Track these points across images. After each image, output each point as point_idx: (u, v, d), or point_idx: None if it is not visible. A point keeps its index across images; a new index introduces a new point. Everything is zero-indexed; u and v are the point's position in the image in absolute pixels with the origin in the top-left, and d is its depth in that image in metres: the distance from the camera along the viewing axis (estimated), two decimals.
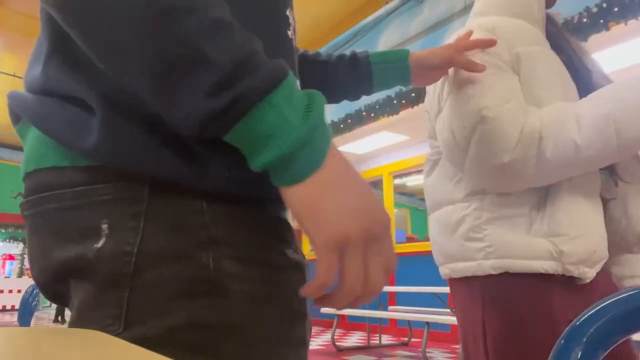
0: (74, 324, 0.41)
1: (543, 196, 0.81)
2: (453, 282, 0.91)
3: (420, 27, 5.31)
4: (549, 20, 1.00)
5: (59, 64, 0.44)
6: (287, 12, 0.52)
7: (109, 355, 0.30)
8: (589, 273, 0.80)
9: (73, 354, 0.31)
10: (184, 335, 0.39)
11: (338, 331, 6.35)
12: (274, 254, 0.46)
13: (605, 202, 0.86)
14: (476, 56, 0.83)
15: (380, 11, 5.62)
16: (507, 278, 0.80)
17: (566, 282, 0.80)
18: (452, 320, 4.01)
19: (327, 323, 7.10)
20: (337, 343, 5.10)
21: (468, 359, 0.88)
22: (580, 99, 0.86)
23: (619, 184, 0.87)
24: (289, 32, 0.52)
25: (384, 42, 5.79)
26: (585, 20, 3.59)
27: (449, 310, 4.69)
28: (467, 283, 0.86)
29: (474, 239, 0.83)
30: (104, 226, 0.40)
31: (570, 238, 0.77)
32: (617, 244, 0.86)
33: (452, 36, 0.99)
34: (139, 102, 0.40)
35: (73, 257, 0.40)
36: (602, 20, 3.51)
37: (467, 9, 4.81)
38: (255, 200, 0.45)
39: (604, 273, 0.85)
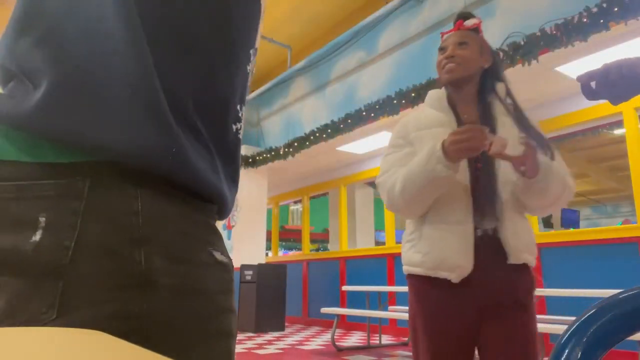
0: (4, 314, 0.42)
1: (419, 228, 1.28)
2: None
3: (420, 27, 5.30)
4: (490, 93, 1.37)
5: (21, 39, 0.47)
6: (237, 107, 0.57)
7: (109, 356, 0.30)
8: (451, 275, 1.18)
9: (73, 354, 0.31)
10: (116, 323, 0.42)
11: (338, 331, 6.35)
12: (201, 253, 0.50)
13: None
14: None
15: (380, 11, 5.62)
16: (409, 277, 1.32)
17: (440, 282, 1.20)
18: None
19: (327, 323, 7.10)
20: (337, 343, 5.10)
21: None
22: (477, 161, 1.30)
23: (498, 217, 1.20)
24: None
25: (384, 42, 5.79)
26: (585, 20, 3.59)
27: None
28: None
29: (403, 248, 1.37)
30: (42, 219, 0.42)
31: (425, 253, 1.23)
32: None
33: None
34: (92, 79, 0.44)
35: (9, 248, 0.42)
36: (602, 20, 3.51)
37: (467, 8, 4.81)
38: (188, 202, 0.50)
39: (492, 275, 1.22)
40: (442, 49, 1.34)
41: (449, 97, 1.35)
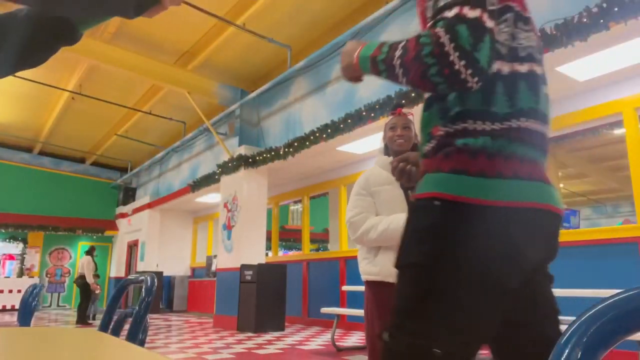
0: None
1: (374, 251, 1.97)
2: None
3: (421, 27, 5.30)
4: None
5: None
6: None
7: (109, 355, 0.30)
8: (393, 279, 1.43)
9: (73, 353, 0.31)
10: None
11: (338, 331, 6.35)
12: None
13: None
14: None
15: (380, 11, 5.62)
16: (367, 283, 2.00)
17: (391, 285, 1.63)
18: None
19: (327, 323, 7.10)
20: (337, 343, 5.10)
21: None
22: None
23: None
24: None
25: None
26: (585, 20, 3.59)
27: None
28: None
29: (361, 264, 2.05)
30: None
31: (381, 266, 1.92)
32: None
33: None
34: None
35: None
36: (602, 20, 3.51)
37: None
38: None
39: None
40: (392, 128, 2.02)
41: None
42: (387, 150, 2.06)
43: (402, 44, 0.88)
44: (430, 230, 0.89)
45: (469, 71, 0.81)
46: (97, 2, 0.67)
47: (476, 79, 0.82)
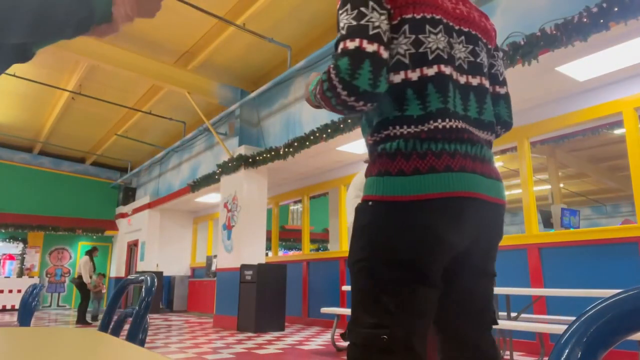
0: None
1: None
2: None
3: None
4: None
5: None
6: None
7: (109, 355, 0.30)
8: None
9: (73, 353, 0.31)
10: None
11: (338, 331, 6.35)
12: None
13: None
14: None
15: None
16: None
17: None
18: None
19: (327, 323, 7.10)
20: (337, 343, 5.10)
21: None
22: None
23: None
24: None
25: None
26: (585, 20, 3.59)
27: None
28: None
29: None
30: None
31: None
32: None
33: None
34: None
35: None
36: (602, 20, 3.50)
37: None
38: None
39: None
40: None
41: None
42: None
43: (319, 78, 1.06)
44: (365, 229, 1.01)
45: (352, 98, 0.96)
46: (33, 31, 0.67)
47: (361, 102, 0.97)
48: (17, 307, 12.22)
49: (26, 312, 1.62)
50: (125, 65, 7.22)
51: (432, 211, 0.96)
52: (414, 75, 1.01)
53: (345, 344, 5.12)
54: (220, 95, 8.46)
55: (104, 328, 1.46)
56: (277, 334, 6.63)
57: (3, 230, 12.80)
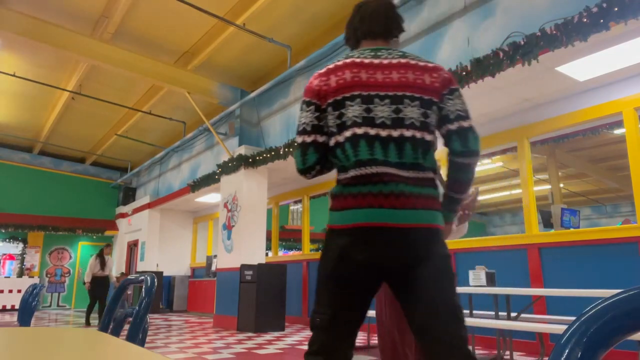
0: None
1: None
2: None
3: (420, 27, 5.30)
4: None
5: None
6: None
7: (109, 355, 0.30)
8: None
9: (73, 353, 0.31)
10: None
11: None
12: None
13: None
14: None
15: None
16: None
17: None
18: None
19: None
20: None
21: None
22: None
23: None
24: None
25: None
26: (585, 20, 3.59)
27: None
28: None
29: None
30: None
31: None
32: None
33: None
34: None
35: None
36: (602, 20, 3.50)
37: (467, 8, 4.81)
38: None
39: None
40: None
41: None
42: None
43: None
44: (322, 248, 1.44)
45: (302, 175, 1.53)
46: None
47: (308, 176, 1.53)
48: (17, 307, 12.21)
49: (26, 312, 1.61)
50: (125, 65, 7.21)
51: (345, 236, 1.36)
52: (340, 138, 1.42)
53: None
54: (220, 95, 8.46)
55: (104, 328, 1.46)
56: (277, 334, 6.63)
57: (3, 230, 12.80)
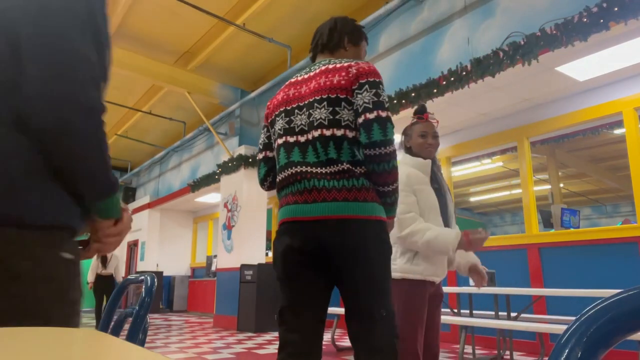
0: None
1: (410, 251, 2.00)
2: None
3: (420, 27, 5.30)
4: (434, 163, 2.13)
5: None
6: None
7: (109, 355, 0.30)
8: (437, 279, 2.03)
9: (72, 353, 0.31)
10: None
11: (338, 331, 6.35)
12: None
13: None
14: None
15: (380, 11, 5.62)
16: (401, 280, 1.95)
17: (428, 283, 2.01)
18: (452, 319, 4.01)
19: (327, 323, 7.10)
20: (337, 343, 5.10)
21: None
22: (440, 211, 2.07)
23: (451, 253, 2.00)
24: None
25: (384, 42, 5.79)
26: (585, 20, 3.59)
27: (448, 310, 4.69)
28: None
29: (396, 261, 1.99)
30: None
31: (422, 266, 1.98)
32: (449, 264, 2.17)
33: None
34: None
35: None
36: (602, 20, 3.51)
37: (467, 8, 4.81)
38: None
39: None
40: (423, 135, 2.10)
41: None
42: (409, 151, 2.16)
43: None
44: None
45: (261, 187, 1.81)
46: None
47: (263, 187, 1.79)
48: None
49: None
50: (125, 65, 7.21)
51: (279, 232, 1.56)
52: (274, 151, 1.67)
53: (346, 344, 5.13)
54: (220, 95, 8.46)
55: (104, 328, 1.46)
56: (277, 334, 6.63)
57: None
